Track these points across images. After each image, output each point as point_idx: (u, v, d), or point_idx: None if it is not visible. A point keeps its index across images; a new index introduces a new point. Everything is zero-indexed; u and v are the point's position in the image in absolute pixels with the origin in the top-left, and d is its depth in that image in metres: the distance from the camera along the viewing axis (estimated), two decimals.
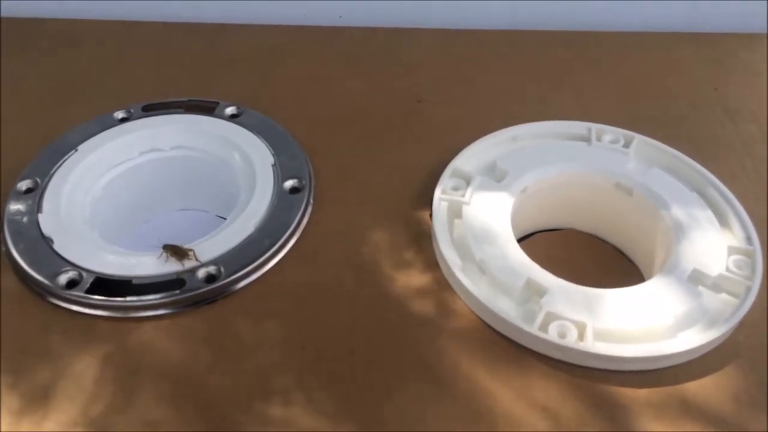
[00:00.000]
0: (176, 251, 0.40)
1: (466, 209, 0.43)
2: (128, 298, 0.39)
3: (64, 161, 0.47)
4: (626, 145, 0.47)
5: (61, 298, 0.40)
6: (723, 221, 0.42)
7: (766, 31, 0.62)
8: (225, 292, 0.40)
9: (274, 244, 0.42)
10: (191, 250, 0.41)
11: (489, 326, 0.38)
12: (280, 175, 0.46)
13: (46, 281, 0.40)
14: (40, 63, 0.60)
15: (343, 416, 0.35)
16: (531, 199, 0.46)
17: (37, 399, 0.36)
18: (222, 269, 0.40)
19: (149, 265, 0.41)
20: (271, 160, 0.47)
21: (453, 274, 0.40)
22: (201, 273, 0.40)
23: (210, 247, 0.41)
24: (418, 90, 0.56)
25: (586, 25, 0.63)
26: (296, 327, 0.39)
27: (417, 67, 0.59)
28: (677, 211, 0.42)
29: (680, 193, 0.44)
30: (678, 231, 0.41)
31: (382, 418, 0.35)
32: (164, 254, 0.40)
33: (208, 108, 0.52)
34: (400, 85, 0.56)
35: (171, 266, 0.40)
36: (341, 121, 0.53)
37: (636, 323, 0.37)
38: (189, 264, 0.40)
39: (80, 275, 0.40)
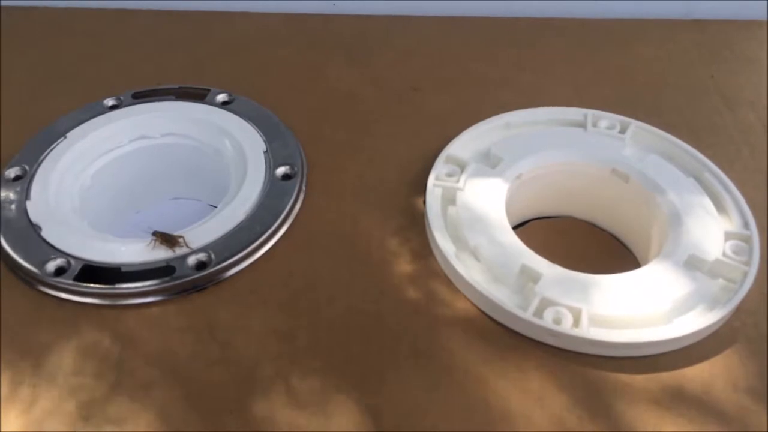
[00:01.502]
0: (166, 238, 0.40)
1: (460, 195, 0.42)
2: (117, 286, 0.38)
3: (52, 148, 0.47)
4: (622, 131, 0.46)
5: (49, 285, 0.39)
6: (720, 207, 0.42)
7: (764, 18, 0.61)
8: (215, 280, 0.40)
9: (265, 231, 0.41)
10: (181, 236, 0.40)
11: (484, 313, 0.38)
12: (272, 162, 0.46)
13: (33, 269, 0.39)
14: (29, 50, 0.59)
15: (337, 406, 0.34)
16: (526, 186, 0.45)
17: (25, 387, 0.35)
18: (212, 256, 0.40)
19: (138, 252, 0.40)
20: (263, 147, 0.47)
21: (447, 261, 0.39)
22: (191, 260, 0.40)
23: (200, 234, 0.41)
24: (413, 77, 0.55)
25: (582, 12, 0.62)
26: (288, 315, 0.38)
27: (411, 54, 0.58)
28: (674, 197, 0.42)
29: (677, 179, 0.43)
30: (674, 217, 0.41)
31: (377, 407, 0.34)
32: (154, 241, 0.40)
33: (199, 95, 0.51)
34: (395, 72, 0.56)
35: (161, 253, 0.40)
36: (334, 109, 0.52)
37: (632, 309, 0.36)
38: (180, 251, 0.40)
39: (68, 262, 0.40)
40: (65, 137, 0.48)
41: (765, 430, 0.33)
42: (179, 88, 0.52)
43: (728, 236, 0.39)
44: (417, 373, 0.36)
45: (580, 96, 0.53)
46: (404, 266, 0.41)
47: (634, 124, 0.46)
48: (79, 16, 0.63)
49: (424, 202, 0.43)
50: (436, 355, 0.36)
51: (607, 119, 0.47)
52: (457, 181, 0.43)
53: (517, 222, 0.47)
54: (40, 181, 0.45)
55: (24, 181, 0.45)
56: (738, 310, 0.37)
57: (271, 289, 0.40)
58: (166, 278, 0.39)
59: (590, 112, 0.47)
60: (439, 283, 0.40)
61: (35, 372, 0.36)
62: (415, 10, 0.63)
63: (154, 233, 0.40)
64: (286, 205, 0.43)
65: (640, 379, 0.35)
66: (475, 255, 0.40)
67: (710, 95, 0.53)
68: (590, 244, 0.47)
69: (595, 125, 0.47)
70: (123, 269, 0.39)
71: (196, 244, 0.40)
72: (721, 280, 0.38)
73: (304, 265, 0.41)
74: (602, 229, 0.48)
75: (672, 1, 0.62)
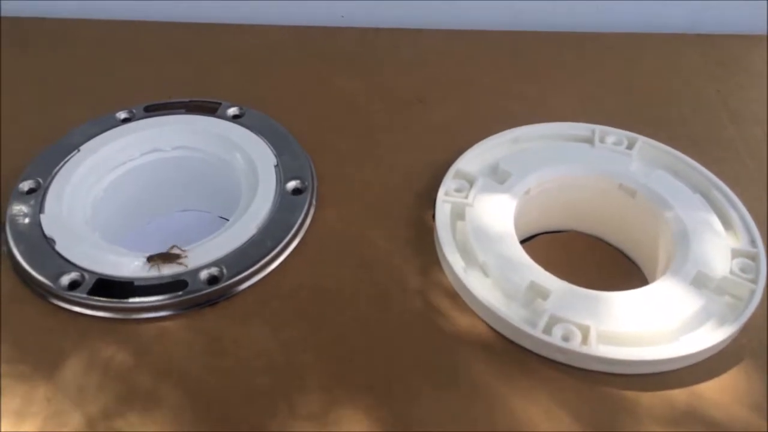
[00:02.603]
0: (164, 257, 0.40)
1: (469, 211, 0.43)
2: (130, 300, 0.39)
3: (66, 162, 0.47)
4: (629, 147, 0.47)
5: (63, 299, 0.39)
6: (727, 223, 0.42)
7: None
8: (227, 294, 0.40)
9: (276, 246, 0.42)
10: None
11: (492, 329, 0.38)
12: (283, 176, 0.46)
13: (47, 282, 0.40)
14: (41, 63, 0.60)
15: (345, 418, 0.35)
16: (534, 201, 0.46)
17: (38, 400, 0.35)
18: (224, 271, 0.40)
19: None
20: (273, 160, 0.47)
21: (456, 276, 0.40)
22: (203, 275, 0.40)
23: (212, 249, 0.41)
24: (420, 90, 0.55)
25: (588, 26, 0.63)
26: (298, 329, 0.39)
27: (419, 67, 0.59)
28: (681, 214, 0.42)
29: (684, 195, 0.43)
30: (681, 233, 0.41)
31: (384, 419, 0.35)
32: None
33: (210, 108, 0.52)
34: (402, 85, 0.56)
35: (173, 269, 0.40)
36: (343, 122, 0.53)
37: (640, 326, 0.37)
38: (190, 264, 0.40)
39: (82, 276, 0.40)
40: (78, 150, 0.48)
41: None
42: (191, 101, 0.52)
43: (735, 254, 0.40)
44: (424, 385, 0.36)
45: (586, 109, 0.53)
46: (413, 280, 0.41)
47: (641, 140, 0.47)
48: (92, 28, 0.64)
49: (433, 216, 0.43)
50: (444, 369, 0.37)
51: (614, 135, 0.47)
52: (466, 197, 0.43)
53: (524, 236, 0.48)
54: (54, 195, 0.45)
55: (38, 194, 0.45)
56: (745, 328, 0.37)
57: (281, 302, 0.40)
58: (179, 293, 0.39)
59: (597, 127, 0.48)
60: (447, 297, 0.40)
61: (49, 385, 0.36)
62: (422, 23, 0.63)
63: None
64: (296, 220, 0.43)
65: (647, 397, 0.35)
66: (484, 270, 0.40)
67: (716, 109, 0.54)
68: (597, 259, 0.48)
69: (602, 141, 0.47)
70: (136, 283, 0.40)
71: (207, 258, 0.41)
72: (728, 298, 0.38)
73: (314, 278, 0.41)
74: (609, 244, 0.48)
75: (678, 15, 0.63)
